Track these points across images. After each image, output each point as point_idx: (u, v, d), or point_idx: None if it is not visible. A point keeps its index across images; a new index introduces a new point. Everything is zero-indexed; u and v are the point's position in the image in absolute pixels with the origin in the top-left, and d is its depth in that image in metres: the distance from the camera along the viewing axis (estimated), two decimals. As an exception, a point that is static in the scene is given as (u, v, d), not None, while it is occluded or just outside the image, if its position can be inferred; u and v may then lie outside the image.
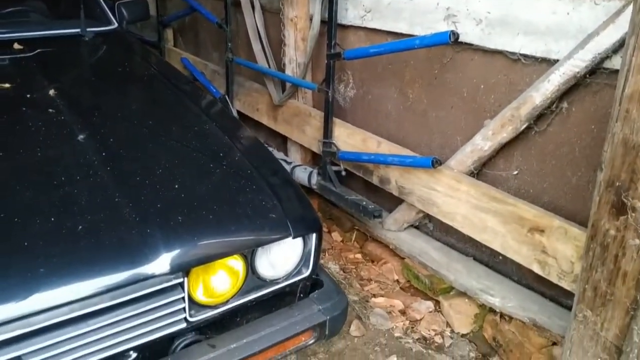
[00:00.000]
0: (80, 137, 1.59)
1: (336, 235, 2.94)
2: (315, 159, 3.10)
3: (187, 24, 4.28)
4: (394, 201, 2.55)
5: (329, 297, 1.58)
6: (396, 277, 2.61)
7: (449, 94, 2.24)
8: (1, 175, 1.39)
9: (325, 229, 3.00)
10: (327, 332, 1.54)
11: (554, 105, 1.85)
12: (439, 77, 2.26)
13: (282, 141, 3.30)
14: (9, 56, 2.16)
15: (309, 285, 1.63)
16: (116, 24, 2.64)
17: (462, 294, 2.29)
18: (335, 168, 2.68)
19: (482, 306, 2.23)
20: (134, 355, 1.34)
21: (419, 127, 2.41)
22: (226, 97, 3.41)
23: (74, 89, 1.94)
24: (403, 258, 2.59)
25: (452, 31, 1.94)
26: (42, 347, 1.17)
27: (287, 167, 2.95)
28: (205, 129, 1.76)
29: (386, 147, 2.42)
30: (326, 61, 2.56)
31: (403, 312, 2.41)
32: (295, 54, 2.93)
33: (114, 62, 2.32)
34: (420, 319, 2.36)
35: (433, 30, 2.14)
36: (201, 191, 1.45)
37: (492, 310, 2.18)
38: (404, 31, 2.32)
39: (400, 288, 2.56)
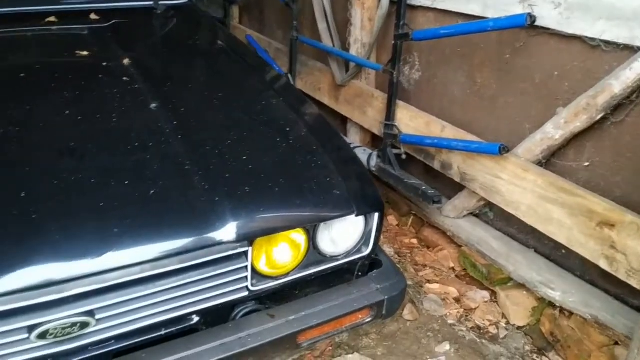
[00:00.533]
0: (153, 105, 1.63)
1: (392, 219, 2.92)
2: (374, 142, 3.08)
3: (253, 1, 4.31)
4: (454, 187, 2.51)
5: (388, 278, 1.58)
6: (452, 265, 2.57)
7: (519, 79, 2.16)
8: (80, 139, 1.44)
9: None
10: (384, 312, 1.54)
11: (635, 95, 1.76)
12: (510, 62, 2.19)
13: (342, 122, 3.29)
14: (86, 26, 2.23)
15: (368, 264, 1.63)
16: (188, -2, 2.68)
17: (521, 285, 2.24)
18: (395, 151, 2.65)
19: (541, 299, 2.18)
20: (196, 319, 1.38)
21: (486, 113, 2.35)
22: (289, 75, 3.42)
23: (147, 59, 1.98)
24: (460, 246, 2.55)
25: (529, 14, 1.87)
26: (112, 304, 1.22)
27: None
28: (272, 103, 1.77)
29: (450, 132, 2.38)
30: (393, 42, 2.53)
31: (457, 300, 2.38)
32: (361, 34, 2.90)
33: (184, 35, 2.37)
34: (475, 308, 2.33)
35: (507, 13, 2.07)
36: (268, 164, 1.46)
37: (551, 305, 2.13)
38: (476, 13, 2.25)
39: (456, 276, 2.52)
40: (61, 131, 1.47)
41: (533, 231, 2.15)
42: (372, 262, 1.64)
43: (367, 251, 1.56)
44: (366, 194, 1.50)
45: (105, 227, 1.21)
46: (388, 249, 2.70)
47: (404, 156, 2.63)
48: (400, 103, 2.65)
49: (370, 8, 2.84)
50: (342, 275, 1.59)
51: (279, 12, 3.89)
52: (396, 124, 2.62)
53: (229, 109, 1.70)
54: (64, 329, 1.17)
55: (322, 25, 3.19)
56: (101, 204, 1.25)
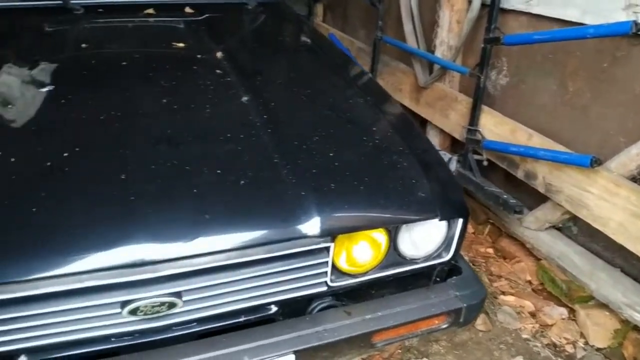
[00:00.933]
0: (244, 98, 1.67)
1: (468, 227, 2.85)
2: (454, 146, 3.03)
3: (337, 0, 4.33)
4: (536, 198, 2.42)
5: (468, 285, 1.55)
6: (529, 278, 2.49)
7: (617, 90, 2.06)
8: (176, 127, 1.50)
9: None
10: (461, 320, 1.51)
11: None
12: (607, 71, 2.09)
13: (421, 125, 3.26)
14: (182, 18, 2.32)
15: (447, 270, 1.60)
16: (277, -6, 2.73)
17: (603, 305, 2.14)
18: (477, 157, 2.60)
19: (625, 322, 2.07)
20: (274, 309, 1.41)
21: (577, 123, 2.25)
22: (370, 74, 3.41)
23: (238, 53, 2.03)
24: (539, 259, 2.46)
25: (634, 22, 1.78)
26: (199, 287, 1.26)
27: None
28: (359, 102, 1.78)
29: (537, 141, 2.30)
30: (482, 45, 2.47)
31: (533, 315, 2.30)
32: (448, 37, 2.86)
33: (273, 31, 2.41)
34: (552, 325, 2.24)
35: (608, 20, 1.97)
36: (354, 162, 1.47)
37: (636, 328, 2.02)
38: (573, 19, 2.16)
39: (532, 290, 2.44)
40: (159, 119, 1.54)
41: (621, 249, 2.04)
42: (451, 269, 1.61)
43: (447, 257, 1.54)
44: (451, 199, 1.47)
45: (197, 213, 1.25)
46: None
47: (485, 163, 2.57)
48: (484, 108, 2.59)
49: (459, 10, 2.79)
50: (419, 279, 1.57)
51: (363, 11, 3.90)
52: (480, 129, 2.56)
53: (317, 105, 1.72)
54: (153, 307, 1.23)
55: (407, 26, 3.17)
56: (194, 191, 1.29)
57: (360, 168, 1.45)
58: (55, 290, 1.15)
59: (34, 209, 1.19)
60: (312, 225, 1.30)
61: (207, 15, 2.37)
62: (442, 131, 3.01)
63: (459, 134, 2.76)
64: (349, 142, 1.55)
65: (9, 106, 1.55)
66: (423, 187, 1.44)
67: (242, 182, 1.34)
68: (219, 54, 1.96)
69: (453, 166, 2.71)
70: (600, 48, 2.11)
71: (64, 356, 1.25)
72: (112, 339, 1.28)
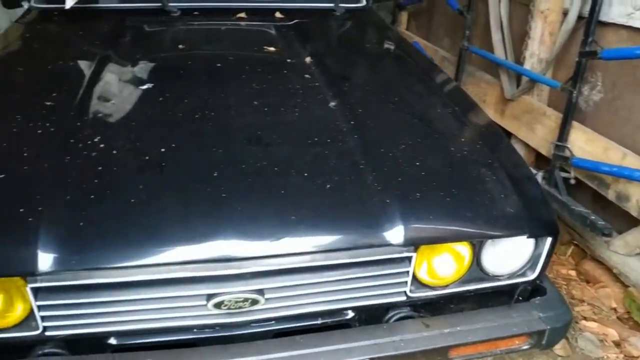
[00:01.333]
0: (332, 104, 1.69)
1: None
2: (539, 162, 2.92)
3: (422, 8, 4.29)
4: (627, 221, 2.30)
5: (552, 307, 1.48)
6: (614, 305, 2.36)
7: None
8: (266, 128, 1.54)
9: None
10: (543, 342, 1.45)
11: None
12: None
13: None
14: (272, 23, 2.38)
15: (530, 290, 1.55)
16: (364, 2, 2.74)
17: (698, 341, 1.99)
18: (564, 174, 2.49)
19: None
20: (351, 314, 1.41)
21: (678, 145, 2.12)
22: (457, 83, 3.36)
23: (326, 59, 2.05)
24: (627, 286, 2.33)
25: None
26: (281, 286, 1.28)
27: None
28: (447, 111, 1.75)
29: (633, 161, 2.18)
30: (577, 59, 2.38)
31: (617, 344, 2.18)
32: (539, 49, 2.76)
33: (361, 38, 2.43)
34: (637, 357, 2.11)
35: None
36: (441, 172, 1.45)
37: None
38: (680, 34, 2.04)
39: (617, 317, 2.31)
40: (249, 119, 1.58)
41: None
42: (535, 288, 1.55)
43: (532, 276, 1.49)
44: (541, 216, 1.42)
45: (284, 214, 1.27)
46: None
47: (572, 181, 2.47)
48: (575, 124, 2.49)
49: (552, 22, 2.69)
50: (501, 296, 1.52)
51: (449, 20, 3.84)
52: (569, 145, 2.46)
53: (404, 113, 1.71)
54: (236, 302, 1.26)
55: (496, 36, 3.09)
56: (282, 192, 1.32)
57: (447, 178, 1.43)
58: (147, 279, 1.20)
59: (132, 200, 1.26)
60: (395, 234, 1.29)
61: (296, 20, 2.42)
62: (527, 145, 2.91)
63: (545, 149, 2.66)
64: (436, 151, 1.53)
65: (112, 102, 1.65)
66: (512, 202, 1.40)
67: (328, 185, 1.35)
68: (307, 59, 2.00)
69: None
70: None
71: (147, 342, 1.31)
72: (194, 330, 1.32)
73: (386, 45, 2.36)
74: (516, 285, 1.50)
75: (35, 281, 1.16)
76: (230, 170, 1.36)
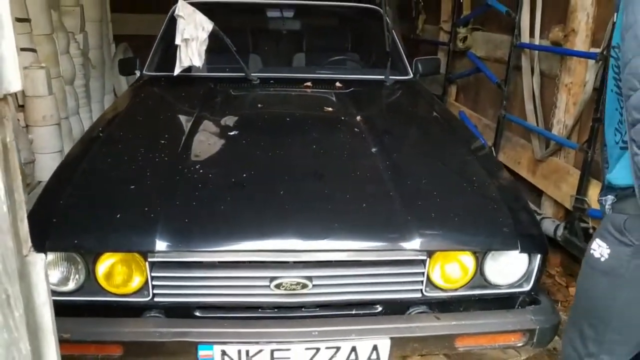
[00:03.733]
0: (373, 149, 2.16)
1: (573, 290, 3.02)
2: (567, 216, 3.24)
3: (469, 82, 4.79)
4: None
5: (543, 313, 1.83)
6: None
7: None
8: (322, 166, 2.04)
9: (563, 283, 3.12)
10: (534, 340, 1.80)
11: None
12: None
13: (538, 195, 3.52)
14: (333, 90, 2.93)
15: (528, 301, 1.90)
16: (411, 75, 3.26)
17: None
18: (583, 225, 2.82)
19: None
20: (379, 308, 1.82)
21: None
22: (492, 148, 3.78)
23: (373, 117, 2.55)
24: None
25: None
26: (324, 275, 1.72)
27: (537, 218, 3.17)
28: (467, 160, 2.18)
29: None
30: (591, 124, 2.76)
31: None
32: (564, 116, 3.17)
33: (405, 104, 2.94)
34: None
35: None
36: (453, 200, 1.87)
37: None
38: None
39: None
40: (308, 158, 2.09)
41: None
42: (533, 300, 1.90)
43: (527, 287, 1.85)
44: (531, 236, 1.80)
45: (329, 222, 1.73)
46: (564, 317, 2.81)
47: (591, 230, 2.78)
48: (593, 181, 2.83)
49: (576, 93, 3.10)
50: (502, 303, 1.89)
51: (491, 93, 4.30)
52: (586, 199, 2.80)
53: (430, 159, 2.18)
54: (291, 285, 1.71)
55: (529, 106, 3.52)
56: (329, 207, 1.79)
57: (456, 205, 1.86)
58: (228, 260, 1.69)
59: (222, 207, 1.77)
60: (413, 241, 1.71)
61: (352, 89, 2.96)
62: (555, 201, 3.25)
63: (569, 204, 3.00)
64: (452, 187, 1.97)
65: (208, 143, 2.21)
66: (507, 224, 1.80)
67: (364, 204, 1.81)
68: (358, 118, 2.50)
69: (560, 231, 2.94)
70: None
71: (224, 316, 1.77)
72: (259, 310, 1.78)
73: (425, 110, 2.85)
74: (515, 294, 1.87)
75: (153, 256, 1.66)
76: (293, 192, 1.86)
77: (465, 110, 4.55)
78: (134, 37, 6.15)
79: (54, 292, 1.67)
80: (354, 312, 1.82)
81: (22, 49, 3.52)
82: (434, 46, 5.34)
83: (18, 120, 3.49)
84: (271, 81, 3.03)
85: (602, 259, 1.40)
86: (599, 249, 1.41)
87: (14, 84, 0.77)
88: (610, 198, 1.40)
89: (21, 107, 3.59)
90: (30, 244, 0.92)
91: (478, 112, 4.54)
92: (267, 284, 1.71)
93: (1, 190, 0.82)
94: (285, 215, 1.75)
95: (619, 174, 1.39)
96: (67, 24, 4.41)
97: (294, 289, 1.71)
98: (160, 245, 1.65)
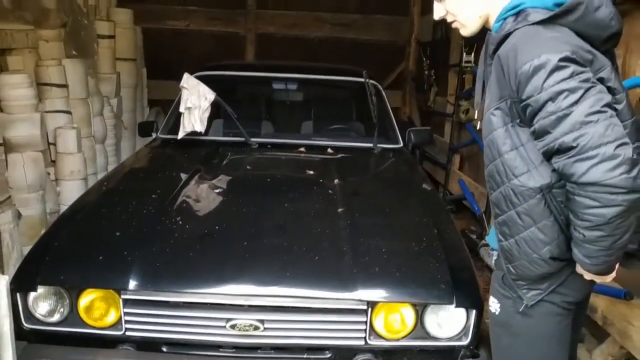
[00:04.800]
0: (339, 210, 2.39)
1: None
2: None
3: (473, 151, 4.99)
4: (604, 331, 2.66)
5: (480, 365, 1.98)
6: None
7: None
8: (288, 220, 2.29)
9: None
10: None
11: None
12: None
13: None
14: (323, 156, 3.21)
15: (468, 354, 2.04)
16: (401, 144, 3.51)
17: None
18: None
19: None
20: (328, 354, 2.00)
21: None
22: (483, 215, 3.94)
23: (350, 181, 2.78)
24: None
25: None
26: (275, 319, 1.93)
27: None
28: (423, 222, 2.37)
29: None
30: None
31: None
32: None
33: (386, 170, 3.19)
34: None
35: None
36: (398, 258, 2.07)
37: None
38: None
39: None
40: (278, 214, 2.35)
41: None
42: (473, 354, 2.05)
43: (465, 342, 2.00)
44: (467, 292, 1.97)
45: (283, 271, 1.96)
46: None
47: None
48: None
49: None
50: (443, 357, 2.04)
51: (490, 163, 4.48)
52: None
53: (388, 219, 2.39)
54: (245, 326, 1.92)
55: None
56: (285, 258, 2.03)
57: (401, 262, 2.06)
58: (190, 301, 1.92)
59: (190, 254, 2.03)
60: (356, 292, 1.92)
61: (341, 155, 3.23)
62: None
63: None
64: (401, 246, 2.18)
65: (192, 198, 2.50)
66: (446, 281, 1.98)
67: (317, 257, 2.04)
68: (336, 181, 2.74)
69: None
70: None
71: (188, 353, 1.98)
72: (220, 349, 1.98)
73: (401, 176, 3.07)
74: (454, 347, 2.02)
75: (126, 294, 1.92)
76: (256, 242, 2.11)
77: (465, 179, 4.74)
78: (168, 102, 6.67)
79: (41, 323, 1.96)
80: (305, 356, 2.00)
81: (57, 111, 3.98)
82: (443, 117, 5.61)
83: (48, 174, 3.88)
84: (269, 146, 3.34)
85: (497, 313, 1.58)
86: (493, 304, 1.59)
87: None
88: (495, 253, 1.59)
89: (53, 162, 3.99)
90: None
91: (478, 181, 4.72)
92: (224, 324, 1.93)
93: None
94: (244, 264, 1.99)
95: (492, 237, 1.60)
96: (103, 89, 4.90)
97: (247, 330, 1.93)
98: (132, 284, 1.91)
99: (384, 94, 3.73)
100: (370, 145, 3.38)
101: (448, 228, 2.37)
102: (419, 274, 2.01)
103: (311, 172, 2.88)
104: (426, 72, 6.08)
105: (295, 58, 6.87)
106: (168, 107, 6.59)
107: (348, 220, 2.30)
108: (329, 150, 3.31)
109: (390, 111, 3.70)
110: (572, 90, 1.25)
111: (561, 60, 1.26)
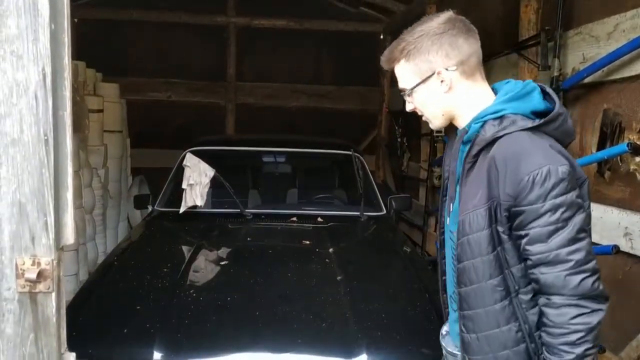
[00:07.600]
0: (339, 277, 2.61)
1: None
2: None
3: (447, 215, 5.30)
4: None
5: None
6: None
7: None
8: (292, 290, 2.49)
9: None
10: None
11: None
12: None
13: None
14: (314, 225, 3.45)
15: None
16: (384, 211, 3.78)
17: None
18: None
19: None
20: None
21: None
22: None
23: (344, 250, 3.03)
24: None
25: None
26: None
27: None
28: (414, 287, 2.62)
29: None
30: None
31: None
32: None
33: (374, 237, 3.44)
34: None
35: None
36: (397, 320, 2.30)
37: None
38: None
39: None
40: (283, 284, 2.55)
41: None
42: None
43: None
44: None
45: (292, 338, 2.15)
46: None
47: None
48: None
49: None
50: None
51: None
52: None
53: (384, 286, 2.63)
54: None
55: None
56: (294, 326, 2.22)
57: (401, 325, 2.27)
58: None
59: (208, 325, 2.20)
60: (361, 357, 2.10)
61: (331, 223, 3.48)
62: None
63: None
64: (398, 309, 2.40)
65: (201, 271, 2.68)
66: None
67: (324, 324, 2.24)
68: (331, 250, 2.97)
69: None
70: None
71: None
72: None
73: (389, 243, 3.34)
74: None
75: (151, 368, 2.07)
76: (267, 312, 2.29)
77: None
78: (148, 170, 6.87)
79: (68, 396, 2.08)
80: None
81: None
82: (417, 182, 5.94)
83: (42, 246, 3.98)
84: (262, 216, 3.56)
85: None
86: None
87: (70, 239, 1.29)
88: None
89: (46, 235, 4.11)
90: (66, 345, 1.38)
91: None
92: (238, 390, 2.09)
93: (53, 308, 1.30)
94: (258, 333, 2.17)
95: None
96: (91, 160, 5.06)
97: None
98: (157, 355, 2.06)
99: (366, 165, 4.03)
100: (357, 213, 3.63)
101: (435, 291, 2.61)
102: (416, 336, 2.23)
103: (307, 242, 3.10)
104: (399, 140, 6.44)
105: (274, 126, 7.23)
106: (149, 175, 6.84)
107: (347, 287, 2.51)
108: (319, 219, 3.55)
109: (373, 181, 4.00)
110: (569, 206, 1.33)
111: (563, 173, 1.33)
